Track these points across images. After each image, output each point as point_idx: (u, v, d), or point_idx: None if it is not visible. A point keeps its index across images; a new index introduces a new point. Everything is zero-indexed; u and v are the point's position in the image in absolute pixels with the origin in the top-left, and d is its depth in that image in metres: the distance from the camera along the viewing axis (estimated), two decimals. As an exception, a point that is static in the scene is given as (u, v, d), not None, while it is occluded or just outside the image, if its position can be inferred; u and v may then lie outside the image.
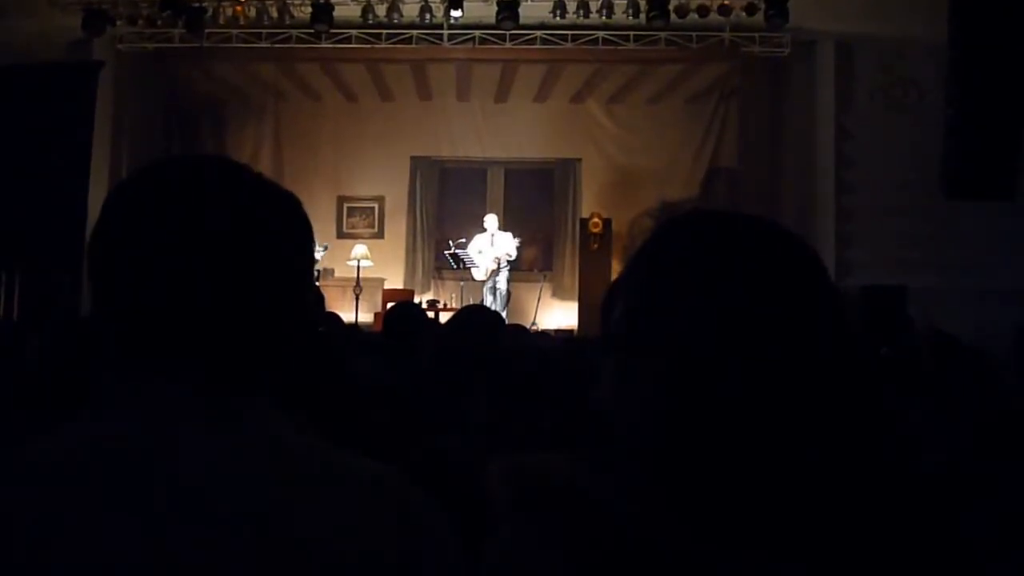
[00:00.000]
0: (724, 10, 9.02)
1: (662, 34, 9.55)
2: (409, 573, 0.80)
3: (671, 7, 8.91)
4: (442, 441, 1.91)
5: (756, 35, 9.58)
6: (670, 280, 0.82)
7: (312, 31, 9.47)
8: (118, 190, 0.87)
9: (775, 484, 0.75)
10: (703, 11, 9.03)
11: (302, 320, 0.91)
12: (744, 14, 8.96)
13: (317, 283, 10.25)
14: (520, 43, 9.79)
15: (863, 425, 0.78)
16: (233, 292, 0.82)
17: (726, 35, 9.54)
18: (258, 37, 9.81)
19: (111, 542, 0.74)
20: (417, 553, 0.81)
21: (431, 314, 9.44)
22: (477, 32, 9.72)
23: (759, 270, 0.80)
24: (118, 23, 9.44)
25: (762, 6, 8.81)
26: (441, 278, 11.74)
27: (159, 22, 9.55)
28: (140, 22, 9.57)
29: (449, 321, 2.89)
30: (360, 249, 10.50)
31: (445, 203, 12.10)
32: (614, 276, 0.94)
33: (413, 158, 11.91)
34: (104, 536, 0.74)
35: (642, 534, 0.77)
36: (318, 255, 10.18)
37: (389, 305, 6.10)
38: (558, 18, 9.28)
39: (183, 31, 9.52)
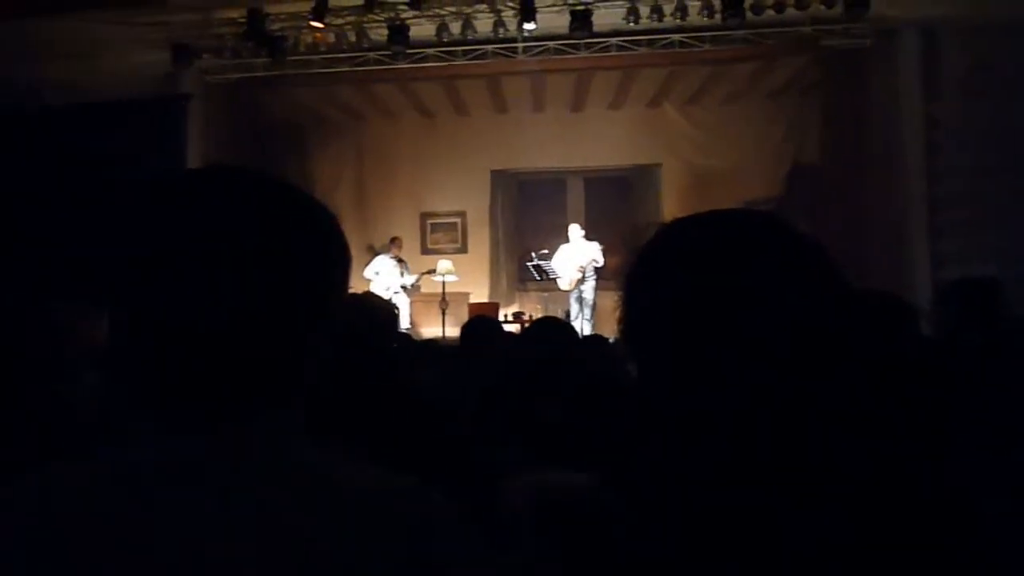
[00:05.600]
0: (801, 4, 8.79)
1: (738, 32, 9.36)
2: None
3: (747, 5, 8.73)
4: (498, 455, 1.91)
5: (836, 27, 9.29)
6: (665, 289, 0.80)
7: (389, 52, 9.64)
8: (133, 208, 0.86)
9: (793, 510, 0.72)
10: (779, 7, 8.81)
11: (328, 336, 0.91)
12: (822, 7, 8.72)
13: (409, 294, 10.41)
14: (595, 51, 9.75)
15: (888, 438, 0.75)
16: (252, 307, 0.81)
17: (805, 29, 9.28)
18: (338, 61, 10.04)
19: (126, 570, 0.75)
20: (430, 567, 0.80)
21: (516, 326, 9.47)
22: (551, 43, 9.71)
23: (755, 273, 0.77)
24: (204, 56, 9.80)
25: (841, -3, 8.57)
26: (525, 290, 11.77)
27: (243, 53, 9.87)
28: (225, 53, 9.91)
29: (521, 334, 2.89)
30: (445, 264, 10.61)
31: (525, 215, 12.14)
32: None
33: (492, 172, 11.99)
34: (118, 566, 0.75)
35: (661, 559, 0.76)
36: (409, 280, 10.28)
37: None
38: (632, 24, 9.19)
39: (266, 60, 9.81)
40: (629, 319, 0.84)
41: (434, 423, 2.03)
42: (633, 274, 0.84)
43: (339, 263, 0.90)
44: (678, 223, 0.85)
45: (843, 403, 0.74)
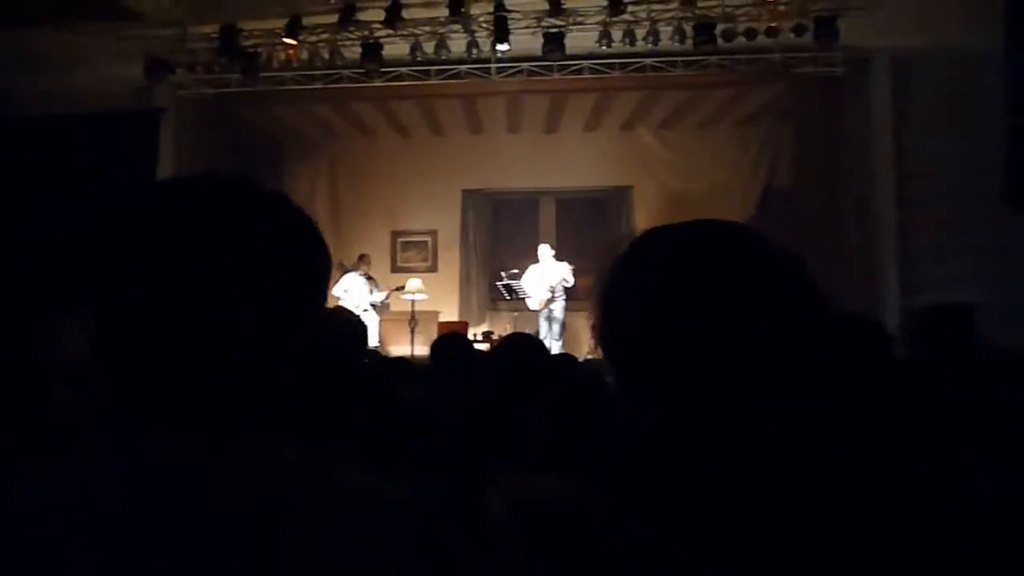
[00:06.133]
0: (772, 32, 8.91)
1: (711, 58, 9.46)
2: None
3: (717, 32, 8.84)
4: (482, 462, 1.90)
5: (807, 55, 9.41)
6: (631, 299, 0.80)
7: (363, 70, 9.64)
8: (120, 212, 0.87)
9: (770, 522, 0.72)
10: (751, 34, 8.92)
11: (316, 338, 0.91)
12: (793, 35, 8.85)
13: (378, 311, 10.39)
14: (568, 73, 9.81)
15: (853, 451, 0.75)
16: (241, 308, 0.82)
17: (776, 56, 9.41)
18: (311, 78, 10.01)
19: None
20: (418, 573, 0.79)
21: (486, 345, 9.46)
22: (525, 64, 9.76)
23: (717, 286, 0.77)
24: (178, 70, 9.75)
25: (811, 26, 8.70)
26: (495, 309, 11.78)
27: (217, 68, 9.83)
28: (199, 68, 9.87)
29: (493, 349, 2.89)
30: (415, 283, 10.58)
31: (498, 234, 12.17)
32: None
33: (464, 191, 12.01)
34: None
35: (641, 564, 0.75)
36: (378, 298, 10.28)
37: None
38: (605, 47, 9.27)
39: (240, 75, 9.78)
40: (607, 323, 0.84)
41: (419, 432, 2.03)
42: (610, 282, 0.84)
43: (322, 268, 0.92)
44: (656, 231, 0.85)
45: (825, 405, 0.75)
